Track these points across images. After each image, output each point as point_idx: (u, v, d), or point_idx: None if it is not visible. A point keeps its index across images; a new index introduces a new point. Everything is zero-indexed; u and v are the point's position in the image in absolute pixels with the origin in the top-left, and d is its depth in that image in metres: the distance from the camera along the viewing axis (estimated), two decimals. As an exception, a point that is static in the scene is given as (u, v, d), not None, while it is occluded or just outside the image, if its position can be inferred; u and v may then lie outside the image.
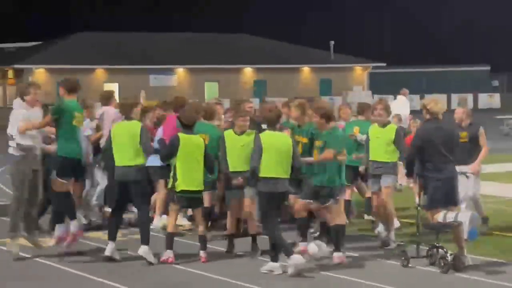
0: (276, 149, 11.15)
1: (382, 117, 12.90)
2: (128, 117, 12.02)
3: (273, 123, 11.60)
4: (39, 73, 59.02)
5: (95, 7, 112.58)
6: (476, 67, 77.44)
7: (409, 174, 11.70)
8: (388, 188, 12.74)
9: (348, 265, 11.39)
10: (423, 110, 11.75)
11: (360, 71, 69.39)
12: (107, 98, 15.26)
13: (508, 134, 38.30)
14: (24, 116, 11.87)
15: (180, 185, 11.72)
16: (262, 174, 11.09)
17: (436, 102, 11.73)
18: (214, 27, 78.40)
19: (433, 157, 11.34)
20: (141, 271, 11.16)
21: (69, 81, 12.78)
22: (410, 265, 11.35)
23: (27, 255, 11.95)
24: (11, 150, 11.97)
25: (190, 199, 11.93)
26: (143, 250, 11.52)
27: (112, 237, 11.73)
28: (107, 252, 11.61)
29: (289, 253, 10.86)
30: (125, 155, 11.77)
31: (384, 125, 12.89)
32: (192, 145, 11.77)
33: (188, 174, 11.78)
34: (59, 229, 11.20)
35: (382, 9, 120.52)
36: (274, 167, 11.09)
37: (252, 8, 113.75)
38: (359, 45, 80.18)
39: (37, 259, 11.85)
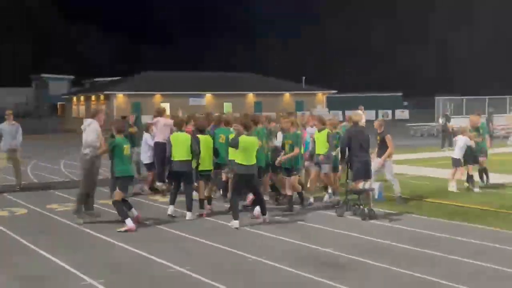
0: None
1: (318, 126, 12.98)
2: (180, 130, 11.83)
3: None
4: (120, 97, 58.89)
5: (157, 55, 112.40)
6: (394, 93, 77.34)
7: (342, 159, 11.96)
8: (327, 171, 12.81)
9: (313, 217, 10.89)
10: (349, 120, 12.85)
11: (320, 96, 69.21)
12: (159, 112, 15.00)
13: (413, 135, 38.48)
14: (97, 132, 11.32)
15: (200, 167, 11.81)
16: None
17: (356, 114, 12.42)
18: (228, 68, 78.11)
19: (355, 148, 11.57)
20: (186, 223, 10.72)
21: (118, 123, 12.02)
22: (343, 215, 11.50)
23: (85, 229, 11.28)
24: (86, 151, 11.23)
25: (206, 175, 11.97)
26: (188, 215, 11.45)
27: (173, 202, 11.64)
28: (169, 212, 11.59)
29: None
30: (180, 154, 11.55)
31: (319, 130, 12.84)
32: (205, 141, 11.88)
33: (204, 160, 11.83)
34: (128, 223, 10.75)
35: (337, 54, 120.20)
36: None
37: (254, 54, 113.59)
38: (320, 79, 79.84)
39: (88, 230, 11.31)
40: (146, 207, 12.80)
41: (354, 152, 11.59)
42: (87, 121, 11.60)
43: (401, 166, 18.42)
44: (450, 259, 8.24)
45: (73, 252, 8.95)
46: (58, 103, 75.50)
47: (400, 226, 10.46)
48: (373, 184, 11.77)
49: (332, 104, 69.10)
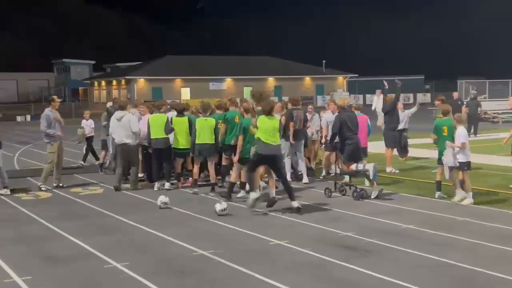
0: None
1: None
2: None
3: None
4: (140, 82, 59.14)
5: (177, 38, 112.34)
6: (416, 76, 76.61)
7: (331, 142, 12.50)
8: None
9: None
10: (338, 106, 12.76)
11: (341, 79, 68.83)
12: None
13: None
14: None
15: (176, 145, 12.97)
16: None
17: (341, 99, 13.42)
18: (250, 51, 77.80)
19: (346, 131, 11.88)
20: (207, 208, 10.97)
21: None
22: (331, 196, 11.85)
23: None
24: (129, 140, 12.85)
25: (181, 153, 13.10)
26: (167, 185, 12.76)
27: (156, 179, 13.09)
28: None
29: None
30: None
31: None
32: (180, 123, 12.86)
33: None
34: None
35: (357, 36, 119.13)
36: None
37: (275, 37, 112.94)
38: (341, 62, 79.15)
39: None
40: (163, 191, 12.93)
41: (344, 135, 11.90)
42: (119, 113, 12.90)
43: (425, 150, 18.26)
44: (473, 243, 8.23)
45: (97, 235, 9.10)
46: (80, 87, 76.11)
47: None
48: (367, 165, 11.87)
49: (352, 88, 68.75)
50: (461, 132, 10.81)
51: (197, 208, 10.92)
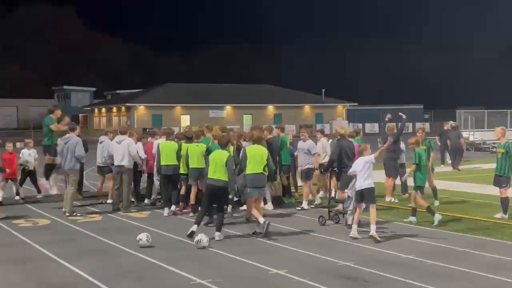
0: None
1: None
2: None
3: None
4: (141, 109, 59.36)
5: (177, 67, 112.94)
6: (415, 105, 76.93)
7: (327, 169, 12.60)
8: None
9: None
10: (336, 133, 13.22)
11: (341, 108, 69.12)
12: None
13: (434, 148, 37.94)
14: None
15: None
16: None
17: (343, 127, 13.28)
18: (250, 80, 78.24)
19: (345, 159, 12.12)
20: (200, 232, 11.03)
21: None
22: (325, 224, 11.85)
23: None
24: (124, 162, 13.44)
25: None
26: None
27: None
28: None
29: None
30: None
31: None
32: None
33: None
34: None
35: (356, 65, 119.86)
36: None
37: (273, 67, 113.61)
38: (341, 91, 79.64)
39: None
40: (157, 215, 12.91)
41: (343, 163, 12.05)
42: (120, 137, 13.70)
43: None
44: (472, 274, 8.17)
45: (95, 262, 9.03)
46: (80, 114, 76.33)
47: (417, 240, 10.41)
48: None
49: (351, 116, 68.94)
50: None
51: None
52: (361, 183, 10.48)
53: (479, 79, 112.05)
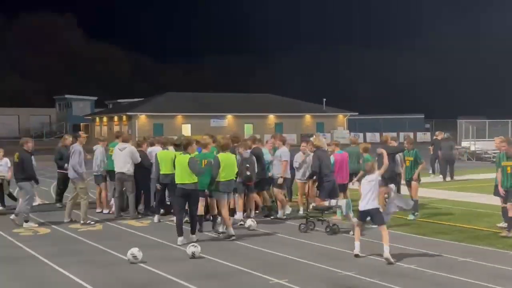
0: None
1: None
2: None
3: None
4: (142, 118, 59.42)
5: (179, 76, 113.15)
6: (415, 115, 76.97)
7: (309, 178, 12.99)
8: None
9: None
10: (311, 145, 13.35)
11: (342, 117, 69.13)
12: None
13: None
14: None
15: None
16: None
17: (319, 139, 13.06)
18: (251, 89, 78.34)
19: (324, 169, 12.35)
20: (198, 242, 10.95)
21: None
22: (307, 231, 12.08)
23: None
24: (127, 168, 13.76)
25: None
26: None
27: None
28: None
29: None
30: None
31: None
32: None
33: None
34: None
35: (357, 74, 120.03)
36: None
37: (274, 77, 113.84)
38: (342, 101, 79.71)
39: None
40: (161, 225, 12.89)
41: (323, 173, 12.31)
42: (122, 145, 13.93)
43: (424, 189, 18.19)
44: (473, 284, 8.15)
45: (95, 272, 9.00)
46: (81, 123, 76.37)
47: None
48: (339, 201, 12.30)
49: (352, 126, 68.93)
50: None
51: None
52: (365, 204, 10.00)
53: (480, 89, 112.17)
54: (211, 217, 12.38)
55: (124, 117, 60.68)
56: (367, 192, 9.96)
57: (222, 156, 11.65)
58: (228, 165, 11.60)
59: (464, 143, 36.50)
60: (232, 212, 12.79)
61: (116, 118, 63.49)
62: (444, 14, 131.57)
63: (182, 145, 11.36)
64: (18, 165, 13.35)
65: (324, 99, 67.26)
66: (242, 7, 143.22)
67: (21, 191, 13.47)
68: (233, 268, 9.15)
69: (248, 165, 12.86)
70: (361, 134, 63.08)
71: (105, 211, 14.80)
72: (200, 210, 12.08)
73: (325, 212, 12.38)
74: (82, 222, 13.20)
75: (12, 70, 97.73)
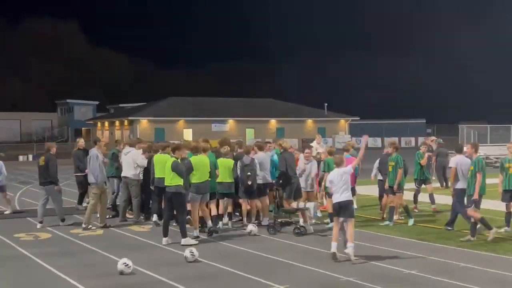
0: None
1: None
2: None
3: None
4: (143, 123, 59.47)
5: (180, 81, 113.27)
6: (417, 120, 76.93)
7: (278, 180, 12.99)
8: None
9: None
10: (279, 146, 13.79)
11: (343, 122, 69.14)
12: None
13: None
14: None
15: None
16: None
17: (286, 142, 13.82)
18: (253, 93, 78.40)
19: (289, 171, 12.81)
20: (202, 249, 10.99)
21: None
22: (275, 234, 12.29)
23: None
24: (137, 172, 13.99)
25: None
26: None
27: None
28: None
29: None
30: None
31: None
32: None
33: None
34: None
35: (358, 82, 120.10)
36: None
37: (275, 82, 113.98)
38: (343, 106, 79.80)
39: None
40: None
41: (288, 174, 12.76)
42: (127, 149, 14.24)
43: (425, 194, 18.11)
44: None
45: (96, 277, 8.99)
46: (83, 128, 76.45)
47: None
48: (307, 204, 12.83)
49: (354, 130, 68.89)
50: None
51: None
52: (337, 197, 9.99)
53: (482, 93, 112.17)
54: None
55: (126, 122, 60.76)
56: (342, 185, 10.02)
57: (194, 159, 11.89)
58: (201, 167, 11.74)
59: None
60: (221, 216, 13.10)
61: (117, 123, 63.55)
62: (445, 19, 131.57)
63: (172, 150, 11.78)
64: (44, 169, 13.65)
65: (326, 104, 67.32)
66: (244, 13, 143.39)
67: (50, 195, 13.79)
68: (230, 273, 9.12)
69: (249, 173, 12.86)
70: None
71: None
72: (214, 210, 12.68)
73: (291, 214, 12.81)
74: (83, 226, 13.18)
75: (14, 75, 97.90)
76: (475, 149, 11.88)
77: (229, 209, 13.56)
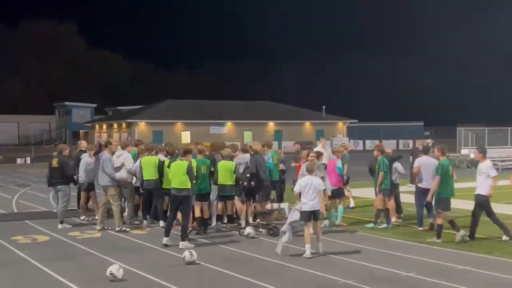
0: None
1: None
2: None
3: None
4: (141, 125, 59.46)
5: (178, 83, 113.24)
6: (415, 123, 76.97)
7: (249, 182, 12.98)
8: None
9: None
10: (250, 149, 13.64)
11: (341, 125, 69.15)
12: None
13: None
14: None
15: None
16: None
17: (258, 145, 13.58)
18: (251, 96, 78.41)
19: (259, 172, 12.86)
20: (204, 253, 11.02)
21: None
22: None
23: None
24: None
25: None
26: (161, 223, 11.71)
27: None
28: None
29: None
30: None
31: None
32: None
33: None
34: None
35: (357, 84, 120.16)
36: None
37: (273, 84, 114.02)
38: (343, 106, 79.86)
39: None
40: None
41: (260, 176, 12.81)
42: (119, 152, 13.85)
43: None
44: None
45: (95, 281, 8.99)
46: (81, 130, 76.41)
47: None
48: (282, 205, 13.25)
49: (352, 133, 68.95)
50: None
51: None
52: (307, 203, 10.41)
53: (480, 96, 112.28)
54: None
55: (124, 124, 60.73)
56: (306, 187, 10.48)
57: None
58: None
59: (464, 151, 36.43)
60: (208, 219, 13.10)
61: (115, 125, 63.54)
62: (444, 21, 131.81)
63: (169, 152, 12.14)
64: (58, 170, 13.88)
65: (324, 107, 67.32)
66: (242, 15, 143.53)
67: (59, 193, 13.91)
68: (228, 275, 9.12)
69: (248, 175, 12.97)
70: (360, 142, 63.10)
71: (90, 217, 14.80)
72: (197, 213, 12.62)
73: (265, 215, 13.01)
74: (117, 229, 13.16)
75: (12, 77, 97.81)
76: (442, 152, 12.12)
77: (229, 212, 13.58)
